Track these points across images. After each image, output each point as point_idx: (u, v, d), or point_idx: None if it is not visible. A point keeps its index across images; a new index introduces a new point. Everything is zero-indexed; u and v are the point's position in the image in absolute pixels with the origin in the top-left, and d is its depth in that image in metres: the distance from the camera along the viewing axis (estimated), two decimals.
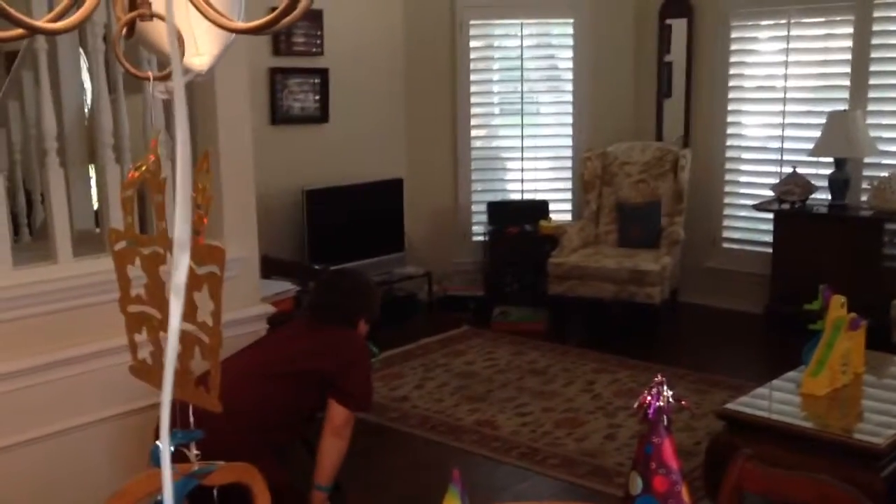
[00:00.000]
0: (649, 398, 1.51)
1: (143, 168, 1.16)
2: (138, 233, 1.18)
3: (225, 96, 2.69)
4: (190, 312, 1.00)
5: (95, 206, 3.68)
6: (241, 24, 0.89)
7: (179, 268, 0.72)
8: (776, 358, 4.99)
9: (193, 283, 0.98)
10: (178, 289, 0.73)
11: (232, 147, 2.74)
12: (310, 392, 2.79)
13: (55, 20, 0.82)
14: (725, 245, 6.04)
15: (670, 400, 1.52)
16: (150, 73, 0.99)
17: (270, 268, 4.05)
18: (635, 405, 1.53)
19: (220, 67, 2.69)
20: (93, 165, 3.47)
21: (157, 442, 1.24)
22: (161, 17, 0.87)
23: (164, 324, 1.14)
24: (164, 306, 1.13)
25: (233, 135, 2.73)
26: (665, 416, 1.51)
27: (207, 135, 2.74)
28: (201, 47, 1.27)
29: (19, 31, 0.75)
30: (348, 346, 2.87)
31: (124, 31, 0.88)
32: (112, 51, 2.69)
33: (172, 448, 1.03)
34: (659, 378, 1.54)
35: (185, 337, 1.07)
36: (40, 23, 0.73)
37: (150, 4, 0.87)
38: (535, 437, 4.04)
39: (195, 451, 1.34)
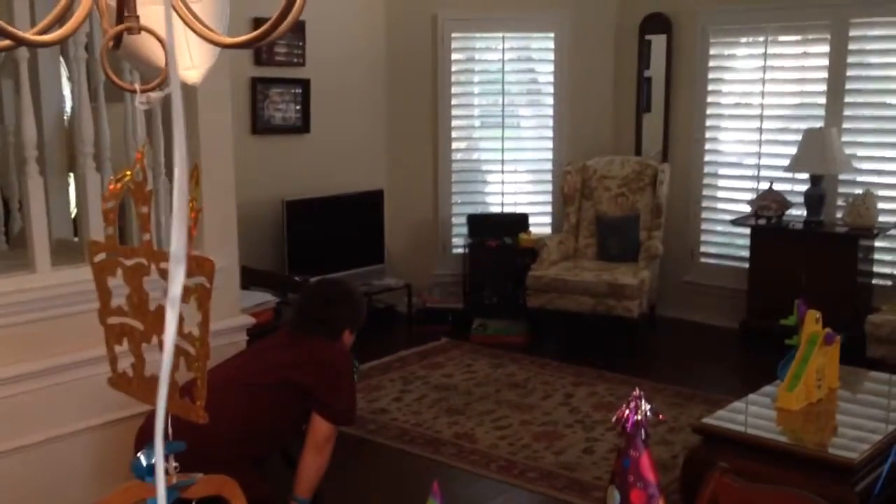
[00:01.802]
0: (627, 412, 1.53)
1: (127, 179, 1.16)
2: (118, 244, 1.18)
3: (207, 107, 2.69)
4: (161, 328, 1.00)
5: (73, 214, 3.66)
6: (231, 39, 0.90)
7: (175, 281, 0.73)
8: (752, 372, 5.03)
9: (182, 294, 0.98)
10: (174, 301, 0.74)
11: (213, 158, 2.74)
12: (292, 405, 2.77)
13: (42, 33, 0.82)
14: (703, 259, 6.10)
15: (648, 413, 1.54)
16: (136, 86, 1.00)
17: (250, 279, 4.04)
18: (613, 419, 1.55)
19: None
20: (72, 174, 3.45)
21: (139, 454, 1.23)
22: (149, 31, 0.87)
23: (146, 335, 1.14)
24: (146, 318, 1.13)
25: (214, 145, 2.73)
26: (643, 430, 1.53)
27: (189, 145, 2.73)
28: (195, 60, 1.28)
29: (6, 42, 0.75)
30: (332, 359, 2.86)
31: (111, 43, 0.88)
32: (98, 61, 2.68)
33: (153, 461, 1.03)
34: (637, 392, 1.56)
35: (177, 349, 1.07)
36: (28, 35, 0.74)
37: (137, 18, 0.87)
38: (513, 450, 4.05)
39: (174, 464, 1.34)
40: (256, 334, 3.08)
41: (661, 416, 1.62)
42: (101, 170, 2.89)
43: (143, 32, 1.08)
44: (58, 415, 2.66)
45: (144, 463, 1.25)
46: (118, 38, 0.91)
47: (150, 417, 2.62)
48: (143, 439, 2.56)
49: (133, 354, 1.17)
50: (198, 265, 1.03)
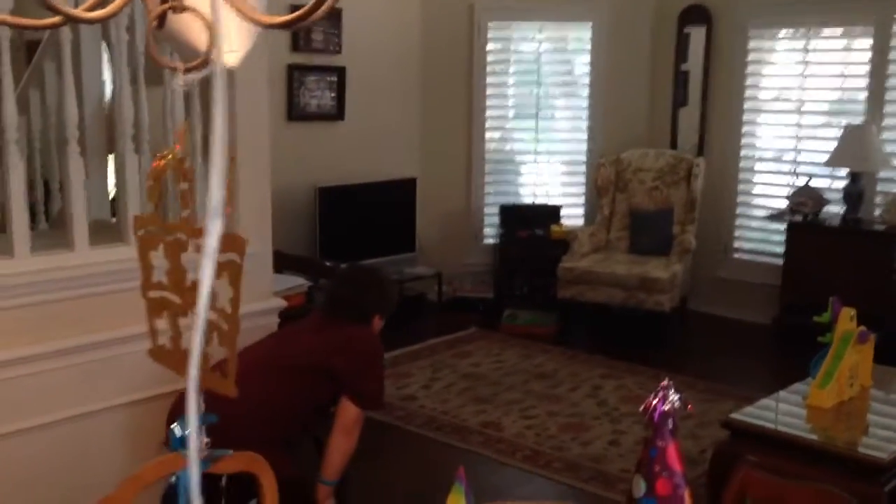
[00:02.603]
0: (655, 401, 1.53)
1: (170, 157, 1.19)
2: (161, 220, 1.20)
3: (244, 91, 2.72)
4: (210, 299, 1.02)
5: (111, 195, 3.71)
6: (273, 19, 0.91)
7: (212, 233, 0.75)
8: (784, 369, 4.98)
9: (216, 270, 0.99)
10: (210, 252, 0.76)
11: (249, 143, 2.77)
12: (322, 387, 2.80)
13: (92, 9, 0.84)
14: (737, 255, 6.04)
15: (676, 404, 1.54)
16: (180, 64, 1.02)
17: (283, 263, 4.08)
18: (641, 408, 1.55)
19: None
20: (111, 155, 3.50)
21: (173, 426, 1.26)
22: (193, 11, 0.89)
23: (183, 309, 1.16)
24: (184, 293, 1.15)
25: (251, 130, 2.76)
26: (670, 420, 1.53)
27: (227, 128, 2.76)
28: (234, 43, 1.30)
29: (56, 18, 0.77)
30: (362, 344, 2.88)
31: (155, 22, 0.90)
32: (137, 43, 2.72)
33: (187, 432, 1.05)
34: (666, 382, 1.56)
35: (210, 323, 1.09)
36: (78, 11, 0.76)
37: None
38: (539, 440, 4.06)
39: (205, 439, 1.37)
40: (288, 317, 3.11)
41: (689, 407, 1.62)
42: (139, 151, 2.94)
43: (183, 14, 1.10)
44: (94, 390, 2.72)
45: (178, 434, 1.27)
46: (162, 19, 0.93)
47: (183, 394, 2.66)
48: (175, 415, 2.60)
49: (171, 328, 1.20)
50: (230, 242, 1.05)
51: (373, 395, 2.83)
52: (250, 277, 2.85)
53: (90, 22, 0.78)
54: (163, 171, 1.19)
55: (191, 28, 1.22)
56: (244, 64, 2.70)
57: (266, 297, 2.84)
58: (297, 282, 3.41)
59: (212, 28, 0.90)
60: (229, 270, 1.07)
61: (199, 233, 1.09)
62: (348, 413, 2.75)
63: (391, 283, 3.16)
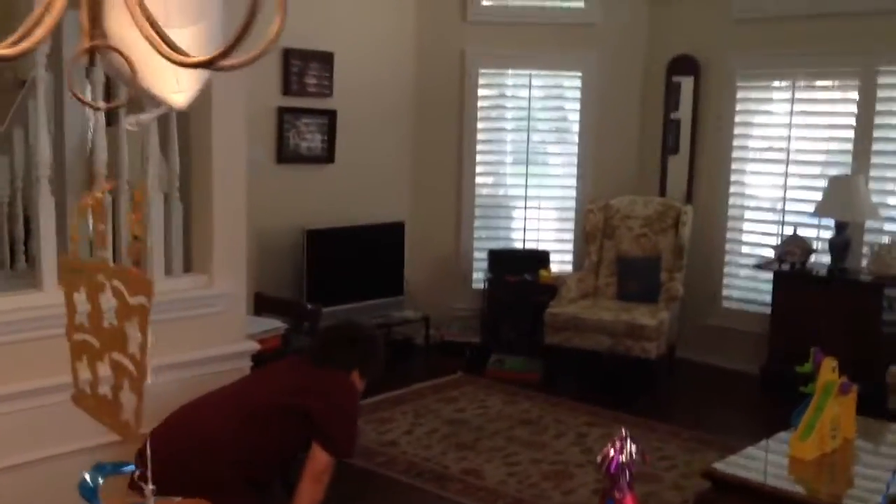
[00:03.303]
0: (612, 452, 1.50)
1: (90, 200, 1.18)
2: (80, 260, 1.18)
3: (221, 132, 2.72)
4: (121, 343, 1.00)
5: None
6: (185, 59, 0.91)
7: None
8: (771, 419, 4.93)
9: (125, 312, 0.98)
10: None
11: (226, 183, 2.77)
12: (294, 430, 2.76)
13: (16, 44, 0.83)
14: (725, 303, 6.02)
15: (633, 455, 1.51)
16: (100, 103, 1.01)
17: (263, 305, 4.06)
18: (598, 458, 1.52)
19: (217, 103, 2.74)
20: None
21: (85, 473, 1.23)
22: (116, 51, 0.89)
23: (101, 353, 1.14)
24: (102, 335, 1.13)
25: (227, 171, 2.76)
26: (627, 471, 1.50)
27: (202, 170, 2.76)
28: (182, 84, 1.30)
29: None
30: (341, 390, 2.84)
31: (83, 58, 0.90)
32: (117, 84, 2.73)
33: (100, 482, 1.02)
34: (623, 432, 1.53)
35: (116, 367, 1.07)
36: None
37: (104, 36, 0.89)
38: (521, 488, 3.99)
39: (150, 486, 1.33)
40: (261, 360, 3.08)
41: (646, 458, 1.59)
42: (117, 191, 2.93)
43: (139, 59, 1.09)
44: (63, 432, 2.67)
45: (91, 484, 1.24)
46: (93, 55, 0.93)
47: (150, 436, 2.61)
48: (142, 456, 2.56)
49: (90, 372, 1.18)
50: (138, 285, 1.03)
51: (344, 443, 2.79)
52: (222, 319, 2.85)
53: (5, 60, 0.77)
54: (84, 210, 1.18)
55: (131, 68, 1.21)
56: (222, 104, 2.72)
57: (237, 339, 2.81)
58: (274, 324, 3.38)
59: (132, 67, 0.89)
60: (139, 314, 1.05)
61: (115, 274, 1.07)
62: (318, 459, 2.70)
63: (380, 346, 3.12)
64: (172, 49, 0.87)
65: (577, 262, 6.24)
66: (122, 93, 1.05)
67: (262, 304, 4.03)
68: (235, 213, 2.79)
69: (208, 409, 2.66)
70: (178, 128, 2.81)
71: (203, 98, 2.84)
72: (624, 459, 1.49)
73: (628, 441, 1.51)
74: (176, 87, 1.25)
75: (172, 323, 2.70)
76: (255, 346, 2.85)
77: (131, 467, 1.20)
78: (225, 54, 0.83)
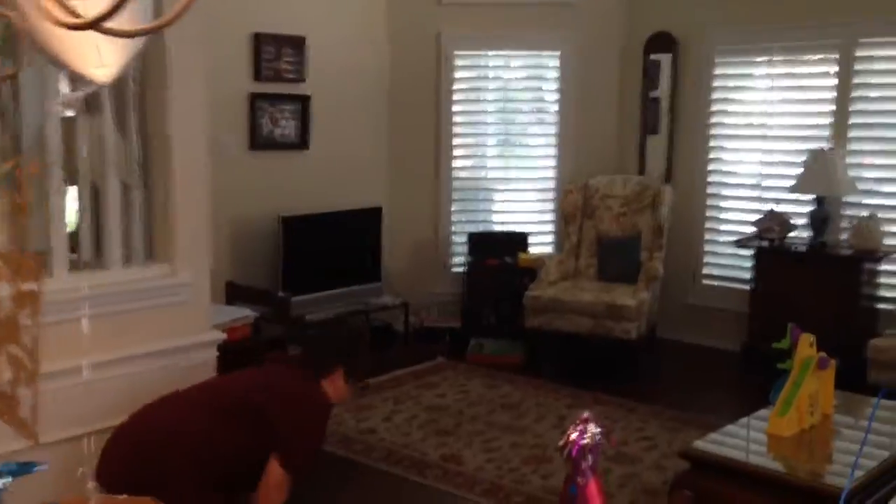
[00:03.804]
0: (574, 436, 1.45)
1: None
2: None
3: (179, 116, 2.64)
4: (15, 334, 0.93)
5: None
6: (73, 20, 0.84)
7: None
8: (752, 396, 4.90)
9: (17, 299, 0.91)
10: None
11: (187, 169, 2.69)
12: (255, 434, 2.60)
13: None
14: (705, 281, 5.99)
15: (597, 438, 1.46)
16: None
17: (235, 294, 3.99)
18: (560, 443, 1.47)
19: (174, 86, 2.66)
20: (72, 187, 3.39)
21: None
22: (8, 15, 0.82)
23: None
24: None
25: (188, 157, 2.68)
26: (590, 456, 1.45)
27: (161, 155, 2.69)
28: (105, 58, 1.23)
29: None
30: (310, 403, 2.69)
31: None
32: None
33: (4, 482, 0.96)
34: (585, 415, 1.48)
35: (12, 360, 1.00)
36: None
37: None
38: (500, 473, 3.95)
39: (91, 483, 1.27)
40: (231, 350, 3.01)
41: (612, 441, 1.54)
42: (80, 182, 2.86)
43: (55, 30, 1.03)
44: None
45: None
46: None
47: (116, 432, 2.55)
48: (104, 454, 2.49)
49: None
50: (27, 269, 0.96)
51: (300, 459, 2.64)
52: (185, 309, 2.78)
53: None
54: None
55: (55, 42, 1.14)
56: (179, 87, 2.64)
57: (202, 329, 2.74)
58: (243, 313, 3.31)
59: (35, 37, 0.83)
60: (30, 302, 0.98)
61: (4, 258, 1.00)
62: (272, 473, 2.58)
63: (363, 342, 3.05)
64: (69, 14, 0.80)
65: (558, 244, 6.19)
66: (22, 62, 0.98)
67: (233, 293, 3.96)
68: (198, 201, 2.72)
69: (178, 403, 2.59)
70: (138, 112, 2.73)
71: (158, 80, 2.76)
72: (586, 443, 1.43)
73: (590, 424, 1.46)
74: (98, 61, 1.18)
75: (134, 313, 2.63)
76: (220, 335, 2.78)
77: (44, 467, 1.14)
78: (108, 16, 0.76)
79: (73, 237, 3.16)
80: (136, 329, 2.60)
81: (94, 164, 2.89)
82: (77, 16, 0.96)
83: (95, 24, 0.80)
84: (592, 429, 1.46)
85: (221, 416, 2.60)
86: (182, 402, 2.59)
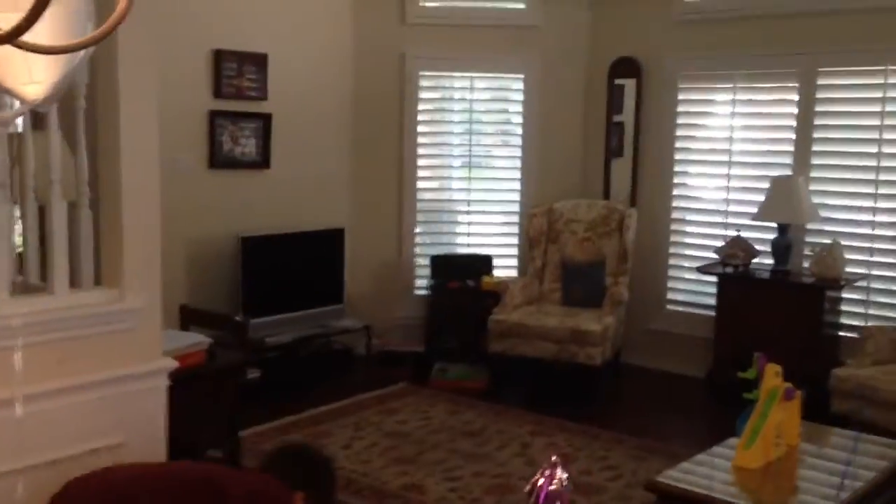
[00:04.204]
0: (541, 481, 1.37)
1: None
2: None
3: (131, 134, 2.53)
4: None
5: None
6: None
7: None
8: (718, 425, 4.87)
9: None
10: None
11: (137, 190, 2.58)
12: None
13: None
14: (670, 307, 5.96)
15: (565, 483, 1.38)
16: None
17: (190, 318, 3.86)
18: (526, 488, 1.39)
19: (125, 103, 2.55)
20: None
21: None
22: None
23: None
24: None
25: (138, 176, 2.57)
26: (558, 502, 1.37)
27: (111, 174, 2.57)
28: (35, 75, 1.14)
29: None
30: (264, 479, 2.47)
31: None
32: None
33: None
34: (554, 458, 1.40)
35: None
36: None
37: None
38: (463, 503, 3.85)
39: None
40: (185, 378, 2.89)
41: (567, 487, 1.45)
42: (23, 200, 2.73)
43: None
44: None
45: None
46: None
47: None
48: None
49: None
50: None
51: None
52: (132, 336, 2.66)
53: None
54: None
55: None
56: (129, 102, 2.52)
57: (152, 357, 2.62)
58: (197, 339, 3.19)
59: None
60: None
61: None
62: None
63: (333, 477, 2.68)
64: None
65: (522, 268, 6.14)
66: None
67: (187, 317, 3.83)
68: (149, 222, 2.60)
69: (137, 469, 2.39)
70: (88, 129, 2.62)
71: (109, 96, 2.65)
72: (553, 488, 1.35)
73: (559, 468, 1.38)
74: (28, 77, 1.09)
75: (80, 340, 2.50)
76: (172, 363, 2.66)
77: None
78: (20, 31, 0.68)
79: (19, 257, 3.03)
80: (81, 357, 2.47)
81: (40, 182, 2.76)
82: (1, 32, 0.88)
83: (8, 39, 0.71)
84: (560, 474, 1.37)
85: (177, 483, 2.39)
86: (142, 468, 2.41)
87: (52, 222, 2.52)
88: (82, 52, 1.20)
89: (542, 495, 1.35)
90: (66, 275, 2.46)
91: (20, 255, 2.97)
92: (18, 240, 2.95)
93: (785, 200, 5.13)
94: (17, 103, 2.22)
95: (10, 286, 2.47)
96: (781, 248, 5.22)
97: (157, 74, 2.64)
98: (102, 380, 2.51)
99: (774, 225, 5.30)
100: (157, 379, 2.61)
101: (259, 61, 5.53)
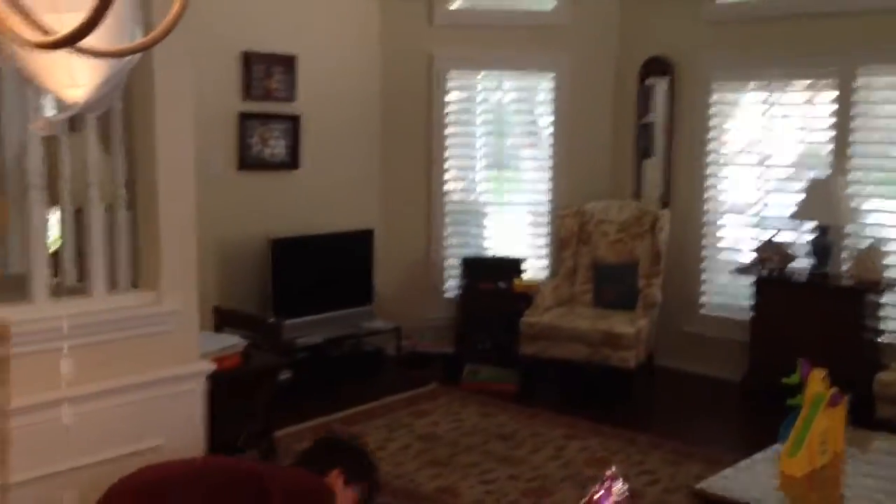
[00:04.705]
0: (599, 494, 1.32)
1: None
2: None
3: (168, 138, 2.51)
4: None
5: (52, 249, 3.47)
6: (44, 39, 0.72)
7: None
8: (754, 429, 4.81)
9: None
10: None
11: (173, 193, 2.56)
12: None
13: None
14: (704, 309, 5.87)
15: (624, 495, 1.33)
16: None
17: (223, 320, 3.85)
18: (583, 501, 1.34)
19: (161, 106, 2.53)
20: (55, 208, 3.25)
21: None
22: None
23: None
24: None
25: (174, 180, 2.55)
26: None
27: (148, 177, 2.55)
28: (78, 78, 1.12)
29: None
30: (309, 478, 2.48)
31: None
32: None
33: None
34: (611, 471, 1.35)
35: None
36: None
37: None
38: None
39: None
40: (222, 380, 2.87)
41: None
42: (60, 202, 2.72)
43: (35, 52, 0.93)
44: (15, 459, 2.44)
45: None
46: None
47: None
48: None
49: None
50: None
51: None
52: (171, 338, 2.64)
53: None
54: None
55: (34, 66, 1.04)
56: (166, 107, 2.50)
57: (190, 359, 2.60)
58: (232, 341, 3.17)
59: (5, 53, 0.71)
60: None
61: None
62: None
63: (366, 454, 2.80)
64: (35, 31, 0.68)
65: (553, 269, 6.08)
66: None
67: (221, 319, 3.82)
68: (185, 225, 2.58)
69: (179, 466, 2.38)
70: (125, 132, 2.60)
71: (145, 99, 2.64)
72: (615, 500, 1.31)
73: (618, 481, 1.33)
74: (69, 81, 1.07)
75: (118, 343, 2.49)
76: (210, 366, 2.64)
77: None
78: (79, 35, 0.64)
79: (55, 258, 3.03)
80: (120, 360, 2.46)
81: (77, 185, 2.75)
82: (50, 33, 0.85)
83: (65, 44, 0.68)
84: (619, 486, 1.33)
85: (218, 480, 2.38)
86: (184, 466, 2.40)
87: (89, 225, 2.51)
88: (128, 57, 1.17)
89: None
90: (104, 277, 2.44)
91: (54, 255, 2.97)
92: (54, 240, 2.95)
93: (823, 201, 5.03)
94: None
95: (47, 290, 2.46)
96: (820, 250, 5.12)
97: (192, 77, 2.62)
98: (141, 382, 2.50)
99: (810, 226, 5.20)
100: (195, 381, 2.60)
101: (288, 63, 5.51)
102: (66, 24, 0.90)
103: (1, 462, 1.67)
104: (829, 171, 5.27)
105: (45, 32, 0.90)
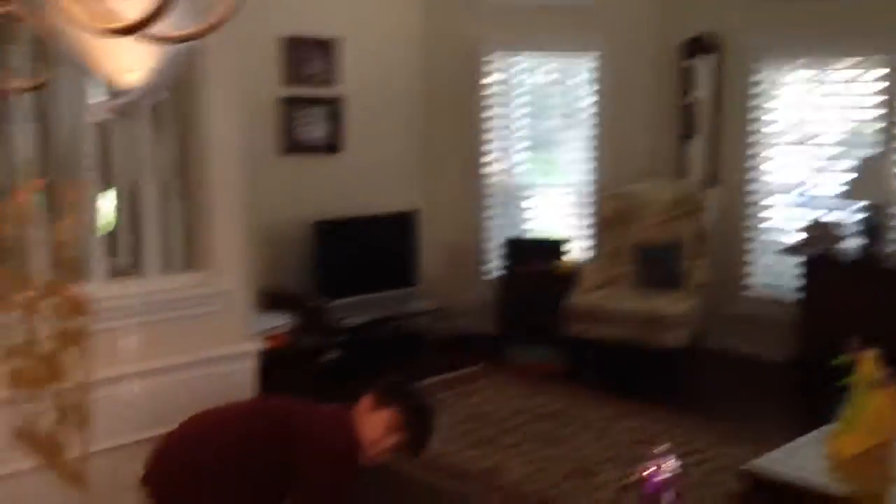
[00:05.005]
0: (647, 473, 1.33)
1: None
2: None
3: (217, 122, 2.56)
4: (59, 373, 0.83)
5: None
6: (113, 25, 0.74)
7: None
8: (802, 411, 4.77)
9: (62, 337, 0.81)
10: None
11: (224, 176, 2.61)
12: (283, 457, 2.45)
13: None
14: (751, 290, 5.81)
15: (676, 470, 1.34)
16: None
17: (271, 301, 3.91)
18: (632, 479, 1.35)
19: (211, 91, 2.58)
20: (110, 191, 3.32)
21: None
22: (25, 18, 0.72)
23: (39, 383, 0.97)
24: (38, 363, 0.96)
25: (225, 163, 2.59)
26: (671, 491, 1.33)
27: (198, 162, 2.60)
28: (133, 63, 1.14)
29: None
30: (333, 441, 2.53)
31: None
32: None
33: None
34: (661, 448, 1.36)
35: (57, 400, 0.91)
36: None
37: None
38: (544, 486, 3.83)
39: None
40: (271, 358, 2.92)
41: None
42: (111, 187, 2.79)
43: (88, 38, 0.96)
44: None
45: None
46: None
47: (165, 441, 2.42)
48: (153, 462, 2.39)
49: (31, 404, 1.01)
50: (71, 305, 0.87)
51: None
52: (222, 318, 2.69)
53: None
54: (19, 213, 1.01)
55: (87, 50, 1.07)
56: (216, 92, 2.54)
57: (240, 339, 2.65)
58: (280, 321, 3.22)
59: (61, 39, 0.73)
60: (78, 339, 0.88)
61: (50, 290, 0.90)
62: None
63: (430, 412, 2.89)
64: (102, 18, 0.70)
65: (596, 250, 6.05)
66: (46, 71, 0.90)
67: (267, 300, 3.88)
68: (236, 207, 2.63)
69: (225, 412, 2.48)
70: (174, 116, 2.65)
71: (195, 83, 2.68)
72: (662, 479, 1.31)
73: (669, 458, 1.33)
74: (125, 65, 1.09)
75: (171, 323, 2.55)
76: (259, 345, 2.69)
77: None
78: (147, 22, 0.66)
79: (111, 239, 3.10)
80: (173, 339, 2.52)
81: (130, 168, 2.82)
82: (112, 20, 0.88)
83: (135, 30, 0.70)
84: (670, 462, 1.33)
85: (260, 428, 2.48)
86: (228, 413, 2.48)
87: (143, 207, 2.56)
88: (185, 44, 1.20)
89: (651, 487, 1.31)
90: (158, 258, 2.50)
91: (110, 234, 3.03)
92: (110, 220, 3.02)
93: (874, 180, 4.93)
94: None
95: (106, 271, 2.52)
96: (870, 230, 5.03)
97: (238, 62, 2.66)
98: (194, 361, 2.56)
99: (859, 206, 5.10)
100: (246, 360, 2.65)
101: (330, 46, 5.55)
102: (127, 8, 0.93)
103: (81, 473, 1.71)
104: (877, 150, 5.16)
105: (106, 18, 0.93)
